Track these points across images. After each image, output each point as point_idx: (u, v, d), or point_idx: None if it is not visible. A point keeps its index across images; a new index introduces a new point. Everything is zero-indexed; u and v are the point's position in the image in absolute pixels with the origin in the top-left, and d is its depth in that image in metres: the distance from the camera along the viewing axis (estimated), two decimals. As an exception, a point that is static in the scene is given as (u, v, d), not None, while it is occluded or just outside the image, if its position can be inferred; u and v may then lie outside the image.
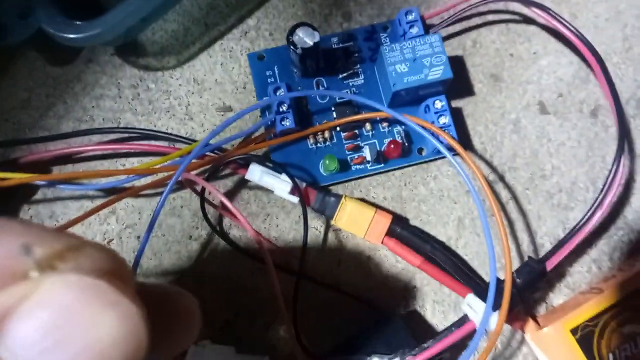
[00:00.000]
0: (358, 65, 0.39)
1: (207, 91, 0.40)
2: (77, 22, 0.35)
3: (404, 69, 0.35)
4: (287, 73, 0.39)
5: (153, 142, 0.39)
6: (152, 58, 0.41)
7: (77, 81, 0.41)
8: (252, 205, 0.38)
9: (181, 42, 0.41)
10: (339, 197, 0.36)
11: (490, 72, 0.40)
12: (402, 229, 0.36)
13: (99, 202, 0.38)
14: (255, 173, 0.35)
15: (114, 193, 0.38)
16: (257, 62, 0.39)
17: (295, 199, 0.36)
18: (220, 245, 0.38)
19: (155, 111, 0.40)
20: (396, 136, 0.38)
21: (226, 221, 0.38)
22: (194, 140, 0.38)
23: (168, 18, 0.41)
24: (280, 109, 0.36)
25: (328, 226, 0.38)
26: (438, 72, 0.35)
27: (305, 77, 0.39)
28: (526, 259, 0.36)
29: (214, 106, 0.40)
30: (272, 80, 0.39)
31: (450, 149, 0.35)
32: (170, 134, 0.38)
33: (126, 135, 0.39)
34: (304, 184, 0.36)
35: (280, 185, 0.35)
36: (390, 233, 0.36)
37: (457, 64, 0.40)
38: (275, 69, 0.39)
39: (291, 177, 0.35)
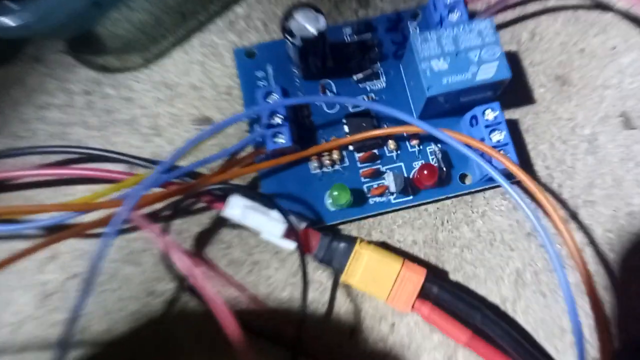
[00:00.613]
0: (378, 64, 0.30)
1: (181, 98, 0.31)
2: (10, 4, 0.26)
3: (442, 66, 0.26)
4: (284, 74, 0.30)
5: (108, 166, 0.29)
6: (112, 56, 0.32)
7: (18, 85, 0.31)
8: (234, 251, 0.28)
9: (150, 36, 0.32)
10: (351, 242, 0.26)
11: (555, 74, 0.30)
12: (440, 290, 0.25)
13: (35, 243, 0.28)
14: (235, 209, 0.26)
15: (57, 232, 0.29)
16: (246, 60, 0.30)
17: (291, 245, 0.26)
18: (190, 304, 0.28)
19: (113, 124, 0.30)
20: (430, 158, 0.28)
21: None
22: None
23: (134, 5, 0.32)
24: (273, 121, 0.27)
25: (337, 282, 0.28)
26: (490, 70, 0.25)
27: (308, 79, 0.29)
28: (622, 335, 0.25)
29: (189, 118, 0.30)
30: (265, 83, 0.29)
31: (507, 175, 0.25)
32: (130, 156, 0.29)
33: (75, 156, 0.30)
34: (304, 224, 0.26)
35: (270, 225, 0.25)
36: (424, 294, 0.25)
37: (510, 62, 0.30)
38: (269, 70, 0.30)
39: (285, 214, 0.25)
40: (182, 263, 0.24)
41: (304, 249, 0.26)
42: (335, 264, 0.26)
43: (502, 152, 0.26)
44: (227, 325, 0.22)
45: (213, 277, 0.28)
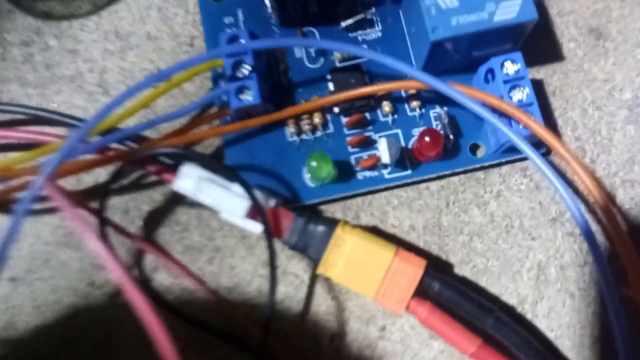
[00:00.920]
0: (373, 9, 0.24)
1: (134, 50, 0.25)
2: None
3: (451, 3, 0.20)
4: (258, 21, 0.24)
5: (46, 129, 0.24)
6: (56, 1, 0.26)
7: (-56, 35, 0.26)
8: (192, 234, 0.23)
9: (101, -23, 0.26)
10: (331, 224, 0.21)
11: (589, 25, 0.25)
12: (443, 286, 0.20)
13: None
14: (188, 180, 0.20)
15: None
16: (212, 3, 0.25)
17: (256, 227, 0.20)
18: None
19: (54, 81, 0.25)
20: (434, 124, 0.23)
21: (149, 259, 0.23)
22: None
23: (82, -61, 0.27)
24: (238, 73, 0.21)
25: (316, 274, 0.22)
26: (512, 9, 0.20)
27: (286, 26, 0.24)
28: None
29: (143, 73, 0.25)
30: (234, 31, 0.24)
31: (536, 144, 0.19)
32: (71, 117, 0.24)
33: (7, 116, 0.25)
34: (273, 202, 0.21)
35: (231, 202, 0.20)
36: (422, 292, 0.20)
37: (534, 10, 0.25)
38: (240, 15, 0.24)
39: (249, 188, 0.20)
40: (96, 250, 0.18)
41: (273, 232, 0.21)
42: (312, 252, 0.21)
43: (527, 113, 0.21)
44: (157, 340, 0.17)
45: (164, 265, 0.23)
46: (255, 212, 0.20)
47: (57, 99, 0.25)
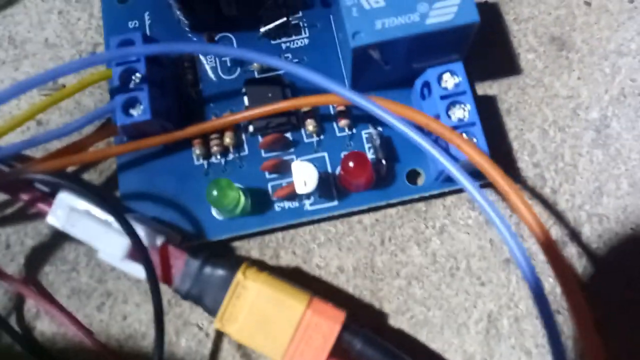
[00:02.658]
0: (300, 13, 0.21)
1: (29, 59, 0.22)
2: None
3: (376, 2, 0.17)
4: (167, 26, 0.21)
5: None
6: (-54, 3, 0.23)
7: None
8: (81, 275, 0.20)
9: (-2, -23, 0.23)
10: (232, 267, 0.17)
11: (550, 34, 0.22)
12: (367, 344, 0.16)
13: None
14: (59, 212, 0.17)
15: None
16: (116, 6, 0.21)
17: (138, 271, 0.17)
18: (16, 350, 0.19)
19: (-63, 94, 0.22)
20: (366, 146, 0.19)
21: (30, 305, 0.19)
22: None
23: None
24: (130, 84, 0.18)
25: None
26: (448, 11, 0.17)
27: (198, 31, 0.21)
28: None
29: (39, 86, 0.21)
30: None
31: (476, 174, 0.16)
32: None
33: None
34: (161, 239, 0.17)
35: (108, 239, 0.16)
36: (342, 351, 0.16)
37: (488, 17, 0.22)
38: (146, 19, 0.21)
39: (126, 223, 0.16)
40: None
41: (162, 276, 0.17)
42: (208, 303, 0.17)
43: (466, 136, 0.17)
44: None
45: (47, 312, 0.19)
46: (140, 251, 0.17)
47: (-62, 115, 0.22)
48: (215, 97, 0.20)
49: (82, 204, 0.17)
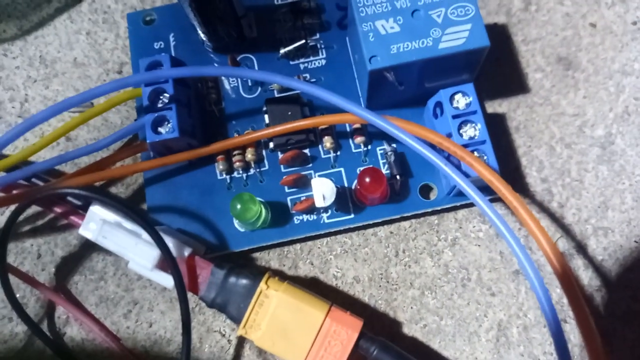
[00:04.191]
0: (317, 35, 0.22)
1: (59, 77, 0.23)
2: None
3: (392, 28, 0.18)
4: (191, 47, 0.22)
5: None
6: (-19, 24, 0.24)
7: None
8: (108, 284, 0.21)
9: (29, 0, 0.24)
10: (255, 277, 0.18)
11: (557, 54, 0.22)
12: (381, 352, 0.17)
13: None
14: (92, 224, 0.18)
15: None
16: (142, 28, 0.22)
17: (167, 281, 0.18)
18: (47, 354, 0.20)
19: (-29, 110, 0.23)
20: (381, 162, 0.20)
21: (60, 312, 0.20)
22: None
23: (11, -40, 0.25)
24: (158, 103, 0.19)
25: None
26: (460, 36, 0.18)
27: (221, 52, 0.22)
28: None
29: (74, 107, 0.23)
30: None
31: (486, 189, 0.17)
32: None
33: None
34: (188, 250, 0.18)
35: (139, 251, 0.17)
36: (359, 358, 0.17)
37: (497, 38, 0.22)
38: (171, 40, 0.22)
39: (157, 235, 0.17)
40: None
41: (189, 285, 0.18)
42: (232, 310, 0.18)
43: (478, 154, 0.18)
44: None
45: (76, 320, 0.20)
46: (168, 262, 0.18)
47: (-27, 130, 0.23)
48: (237, 115, 0.21)
49: (113, 217, 0.18)
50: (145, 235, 0.18)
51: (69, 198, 0.19)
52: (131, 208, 0.17)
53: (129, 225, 0.18)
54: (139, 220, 0.17)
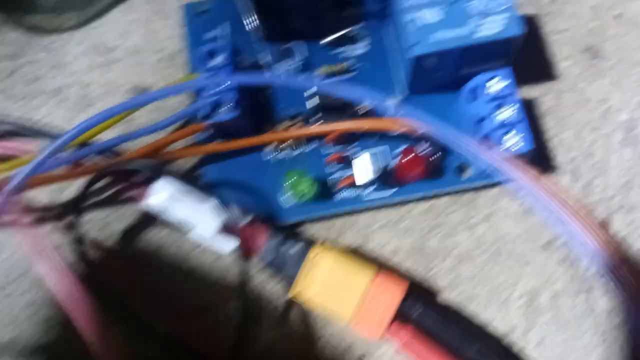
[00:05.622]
0: (359, 25, 0.23)
1: (118, 64, 0.25)
2: None
3: (433, 17, 0.19)
4: (243, 35, 0.24)
5: (29, 140, 0.24)
6: (44, 15, 0.26)
7: None
8: (167, 254, 0.22)
9: (89, -9, 0.26)
10: (307, 243, 0.20)
11: (584, 44, 0.24)
12: (425, 310, 0.19)
13: None
14: (158, 197, 0.20)
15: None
16: (198, 18, 0.24)
17: (228, 245, 0.20)
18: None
19: (37, 94, 0.25)
20: (420, 141, 0.22)
21: (122, 278, 0.22)
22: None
23: (72, -45, 0.27)
24: (218, 89, 0.21)
25: (291, 299, 0.21)
26: (497, 25, 0.19)
27: (271, 40, 0.24)
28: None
29: (125, 87, 0.25)
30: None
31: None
32: (46, 133, 0.23)
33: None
34: (247, 218, 0.20)
35: (202, 219, 0.19)
36: (403, 317, 0.19)
37: (527, 29, 0.24)
38: (225, 29, 0.24)
39: (222, 204, 0.19)
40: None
41: (246, 251, 0.20)
42: (286, 273, 0.20)
43: (515, 133, 0.20)
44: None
45: (137, 285, 0.22)
46: (228, 229, 0.19)
47: (40, 112, 0.25)
48: (284, 100, 0.23)
49: (176, 189, 0.20)
50: (206, 205, 0.20)
51: (134, 173, 0.21)
52: (198, 180, 0.19)
53: (190, 197, 0.20)
54: (205, 190, 0.19)
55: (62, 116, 0.25)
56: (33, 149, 0.22)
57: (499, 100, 0.20)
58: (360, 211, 0.22)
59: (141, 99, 0.19)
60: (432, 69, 0.20)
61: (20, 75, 0.25)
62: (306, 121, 0.22)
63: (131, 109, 0.21)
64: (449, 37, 0.19)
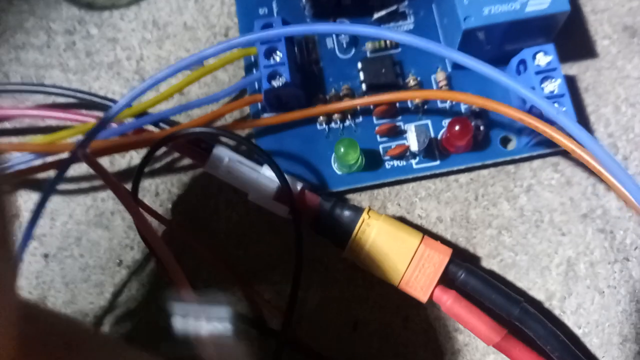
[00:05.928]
0: (406, 1, 0.24)
1: (170, 39, 0.26)
2: None
3: (484, -8, 0.20)
4: (292, 13, 0.25)
5: (84, 110, 0.25)
6: (99, -8, 0.27)
7: (-7, 23, 0.27)
8: (220, 218, 0.24)
9: (142, -30, 0.27)
10: (358, 210, 0.21)
11: (623, 23, 0.25)
12: (469, 275, 0.20)
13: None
14: (219, 161, 0.21)
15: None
16: (248, -5, 0.25)
17: (283, 210, 0.21)
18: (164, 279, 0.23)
19: (93, 68, 0.26)
20: (465, 114, 0.23)
21: (177, 241, 0.23)
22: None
23: None
24: (271, 60, 0.22)
25: (340, 260, 0.22)
26: (544, 1, 0.20)
27: (319, 17, 0.25)
28: None
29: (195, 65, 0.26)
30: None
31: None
32: (107, 99, 0.25)
33: (48, 97, 0.26)
34: (301, 185, 0.21)
35: (259, 184, 0.20)
36: (447, 281, 0.20)
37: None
38: (274, 6, 0.25)
39: (279, 170, 0.20)
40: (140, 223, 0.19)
41: (299, 216, 0.21)
42: (338, 237, 0.21)
43: (558, 106, 0.20)
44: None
45: (190, 248, 0.23)
46: (283, 194, 0.20)
47: (95, 85, 0.26)
48: (333, 73, 0.24)
49: (235, 156, 0.21)
50: (262, 171, 0.21)
51: (193, 140, 0.22)
52: (257, 146, 0.20)
53: (248, 163, 0.21)
54: (265, 157, 0.20)
55: (117, 89, 0.26)
56: (92, 120, 0.23)
57: (544, 74, 0.21)
58: (405, 181, 0.23)
59: (213, 49, 0.20)
60: (481, 42, 0.21)
61: (76, 50, 0.27)
62: (354, 94, 0.23)
63: (188, 75, 0.22)
64: (500, 11, 0.20)
